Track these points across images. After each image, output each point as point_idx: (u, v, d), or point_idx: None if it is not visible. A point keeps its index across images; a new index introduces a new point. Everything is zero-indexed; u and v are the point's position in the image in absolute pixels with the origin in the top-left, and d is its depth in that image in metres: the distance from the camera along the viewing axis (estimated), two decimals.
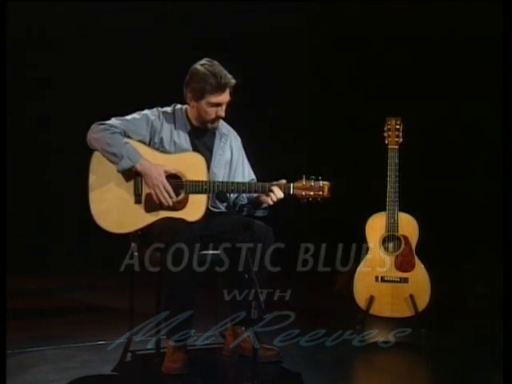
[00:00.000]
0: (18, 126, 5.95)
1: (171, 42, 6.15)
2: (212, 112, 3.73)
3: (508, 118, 3.55)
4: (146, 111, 3.80)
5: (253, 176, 3.98)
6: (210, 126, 3.79)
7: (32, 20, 6.16)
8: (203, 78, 3.68)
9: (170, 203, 3.64)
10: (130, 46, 6.28)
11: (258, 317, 3.04)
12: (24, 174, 6.24)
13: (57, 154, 6.40)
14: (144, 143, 3.74)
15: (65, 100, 6.32)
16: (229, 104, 3.77)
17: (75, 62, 6.29)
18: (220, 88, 3.68)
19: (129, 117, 3.75)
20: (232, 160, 3.92)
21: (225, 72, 3.69)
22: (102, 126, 3.67)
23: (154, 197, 3.64)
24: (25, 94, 6.23)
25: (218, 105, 3.71)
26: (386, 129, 4.29)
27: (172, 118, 3.81)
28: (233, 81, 3.70)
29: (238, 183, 3.76)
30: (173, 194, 3.65)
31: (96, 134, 3.66)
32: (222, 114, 3.74)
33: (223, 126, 3.92)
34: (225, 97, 3.71)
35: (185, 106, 3.86)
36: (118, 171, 3.65)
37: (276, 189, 3.69)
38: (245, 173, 3.96)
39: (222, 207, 3.90)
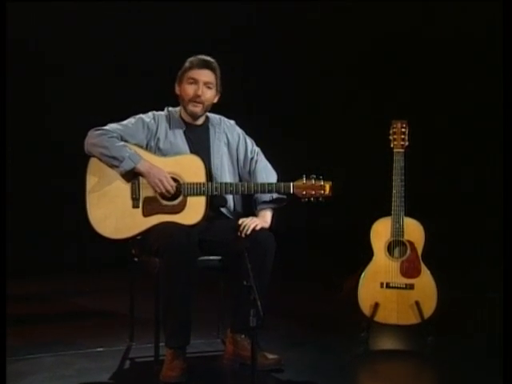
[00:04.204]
0: (18, 127, 5.92)
1: (170, 43, 6.12)
2: (190, 90, 3.75)
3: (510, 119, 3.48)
4: (141, 115, 3.81)
5: (255, 148, 3.93)
6: (190, 108, 3.78)
7: (30, 21, 6.15)
8: (187, 61, 3.79)
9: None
10: (129, 47, 6.27)
11: (256, 324, 2.96)
12: (24, 177, 6.21)
13: (57, 155, 6.37)
14: (141, 147, 3.73)
15: (65, 101, 6.32)
16: (220, 98, 3.82)
17: (74, 65, 6.28)
18: (198, 65, 3.75)
19: (124, 122, 3.77)
20: (230, 143, 3.88)
21: (208, 57, 3.78)
22: (98, 132, 3.68)
23: (158, 190, 3.59)
24: (25, 93, 6.22)
25: (197, 82, 3.74)
26: (391, 132, 4.21)
27: (167, 119, 3.82)
28: (212, 61, 3.77)
29: (236, 184, 3.72)
30: (173, 183, 3.62)
31: (94, 139, 3.67)
32: (200, 92, 3.74)
33: (214, 118, 3.91)
34: (202, 74, 3.75)
35: (177, 108, 3.87)
36: (121, 173, 3.63)
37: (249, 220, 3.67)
38: (247, 146, 3.90)
39: (224, 211, 3.84)
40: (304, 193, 3.70)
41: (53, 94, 6.36)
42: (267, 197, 3.79)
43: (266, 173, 3.87)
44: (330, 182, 3.73)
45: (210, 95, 3.79)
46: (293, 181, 3.72)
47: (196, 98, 3.75)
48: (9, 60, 4.18)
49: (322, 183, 3.72)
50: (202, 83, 3.75)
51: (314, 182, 3.71)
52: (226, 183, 3.70)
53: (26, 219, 6.26)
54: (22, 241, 6.11)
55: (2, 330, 3.28)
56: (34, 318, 4.72)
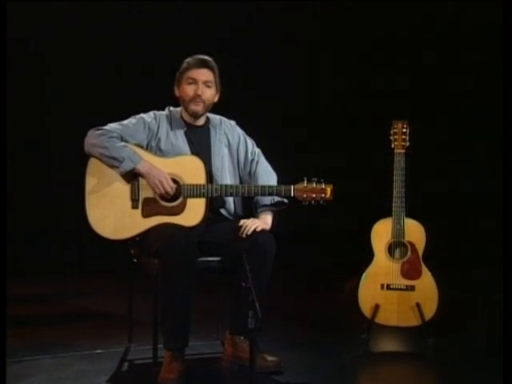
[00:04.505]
0: (18, 127, 5.91)
1: (170, 44, 6.11)
2: (190, 90, 3.73)
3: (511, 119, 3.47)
4: (142, 114, 3.79)
5: (256, 149, 3.91)
6: (192, 107, 3.76)
7: (30, 21, 6.13)
8: (184, 62, 3.78)
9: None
10: (129, 47, 6.25)
11: (255, 326, 2.95)
12: (24, 177, 6.20)
13: (57, 155, 6.36)
14: (141, 147, 3.71)
15: (65, 101, 6.31)
16: (220, 96, 3.81)
17: (74, 65, 6.26)
18: (196, 65, 3.74)
19: (125, 121, 3.74)
20: (230, 144, 3.86)
21: (206, 56, 3.77)
22: (98, 132, 3.66)
23: (158, 191, 3.57)
24: (25, 93, 6.20)
25: (196, 82, 3.73)
26: (392, 132, 4.19)
27: (168, 120, 3.80)
28: (210, 59, 3.76)
29: (236, 186, 3.69)
30: (173, 185, 3.60)
31: (93, 139, 3.64)
32: (200, 92, 3.72)
33: (214, 119, 3.89)
34: (201, 73, 3.74)
35: (179, 108, 3.84)
36: (121, 174, 3.61)
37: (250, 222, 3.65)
38: (248, 148, 3.88)
39: (224, 212, 3.82)
40: (305, 196, 3.68)
41: (53, 94, 6.35)
42: (268, 200, 3.76)
43: (267, 175, 3.85)
44: (331, 186, 3.70)
45: (210, 94, 3.77)
46: (293, 183, 3.70)
47: (196, 98, 3.73)
48: (9, 60, 4.18)
49: (323, 186, 3.69)
50: (202, 82, 3.73)
51: (315, 185, 3.69)
52: (226, 185, 3.68)
53: (26, 219, 6.24)
54: (22, 241, 6.10)
55: (1, 332, 3.26)
56: (33, 320, 4.70)
